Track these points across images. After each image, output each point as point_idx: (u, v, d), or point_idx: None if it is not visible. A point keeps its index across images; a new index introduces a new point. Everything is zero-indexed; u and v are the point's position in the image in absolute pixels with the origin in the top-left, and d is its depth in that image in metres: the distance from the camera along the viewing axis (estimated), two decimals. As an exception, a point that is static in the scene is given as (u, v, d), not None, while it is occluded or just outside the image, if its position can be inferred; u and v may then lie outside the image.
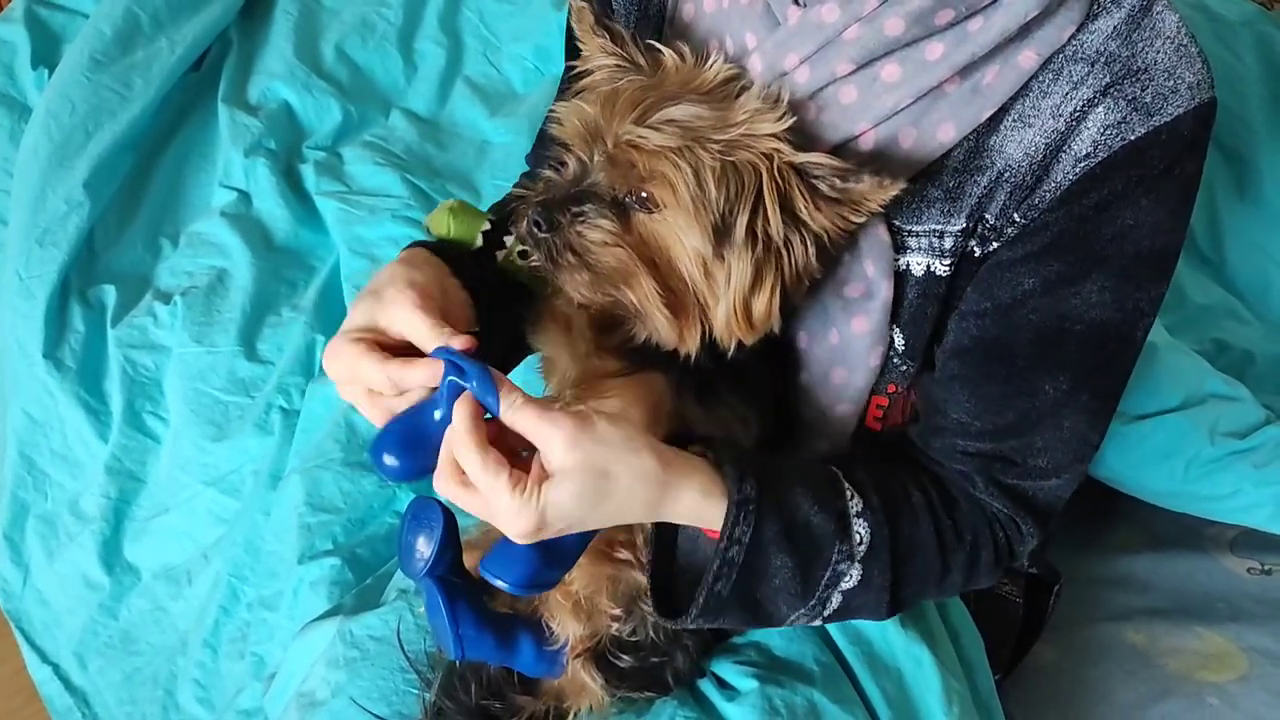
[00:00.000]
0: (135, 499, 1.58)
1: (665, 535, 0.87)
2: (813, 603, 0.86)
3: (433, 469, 0.76)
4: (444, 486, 0.75)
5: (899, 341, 0.90)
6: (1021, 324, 0.84)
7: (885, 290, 0.87)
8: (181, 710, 1.43)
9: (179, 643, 1.49)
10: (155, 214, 1.84)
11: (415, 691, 1.03)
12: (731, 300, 0.79)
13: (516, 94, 2.07)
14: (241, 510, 1.50)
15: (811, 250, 0.80)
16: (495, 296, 0.89)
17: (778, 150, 0.78)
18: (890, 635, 1.03)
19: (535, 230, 0.79)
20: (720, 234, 0.77)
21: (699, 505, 0.79)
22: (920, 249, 0.87)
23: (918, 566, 0.88)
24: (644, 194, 0.78)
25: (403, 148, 1.93)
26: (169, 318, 1.65)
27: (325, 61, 2.04)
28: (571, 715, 1.00)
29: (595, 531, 0.83)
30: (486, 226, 0.93)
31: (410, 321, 0.77)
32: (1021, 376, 0.86)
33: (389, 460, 0.78)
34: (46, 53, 1.96)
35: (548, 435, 0.73)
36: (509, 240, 0.92)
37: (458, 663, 0.99)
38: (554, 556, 0.82)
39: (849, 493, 0.86)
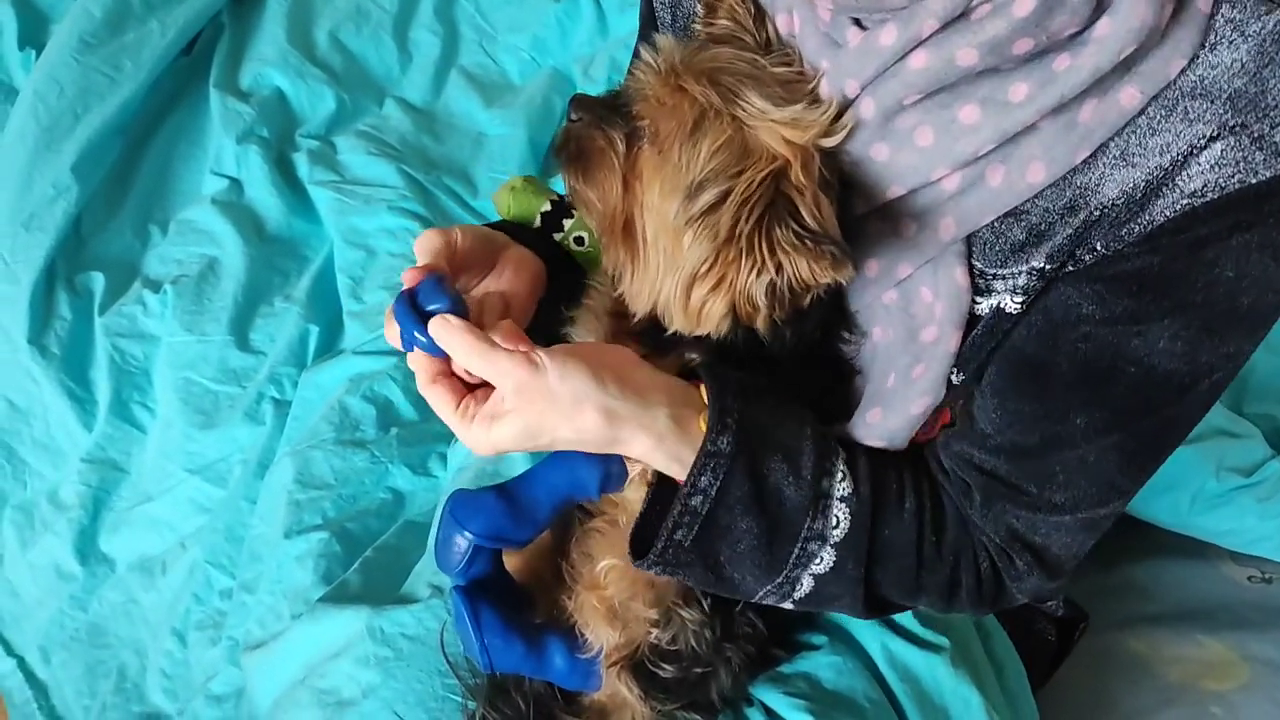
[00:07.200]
0: (116, 489, 1.54)
1: (667, 480, 0.83)
2: (779, 580, 0.82)
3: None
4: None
5: (955, 379, 0.83)
6: (1067, 348, 0.77)
7: (953, 341, 0.80)
8: (145, 701, 1.39)
9: (149, 635, 1.44)
10: (144, 200, 1.80)
11: (457, 698, 0.96)
12: (678, 277, 0.77)
13: (513, 85, 2.05)
14: (226, 498, 1.47)
15: (759, 279, 0.75)
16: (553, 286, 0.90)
17: (789, 163, 0.74)
18: (940, 674, 1.01)
19: (569, 117, 0.83)
20: (691, 198, 0.75)
21: (665, 434, 0.78)
22: (1000, 290, 0.80)
23: (891, 572, 0.84)
24: (656, 130, 0.78)
25: (397, 138, 1.90)
26: (159, 306, 1.62)
27: (319, 48, 2.01)
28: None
29: (569, 498, 0.83)
30: (547, 207, 0.92)
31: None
32: (1054, 400, 0.79)
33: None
34: (34, 33, 1.92)
35: (499, 379, 0.74)
36: (568, 223, 0.92)
37: (498, 674, 0.94)
38: (522, 514, 0.81)
39: (840, 474, 0.82)
